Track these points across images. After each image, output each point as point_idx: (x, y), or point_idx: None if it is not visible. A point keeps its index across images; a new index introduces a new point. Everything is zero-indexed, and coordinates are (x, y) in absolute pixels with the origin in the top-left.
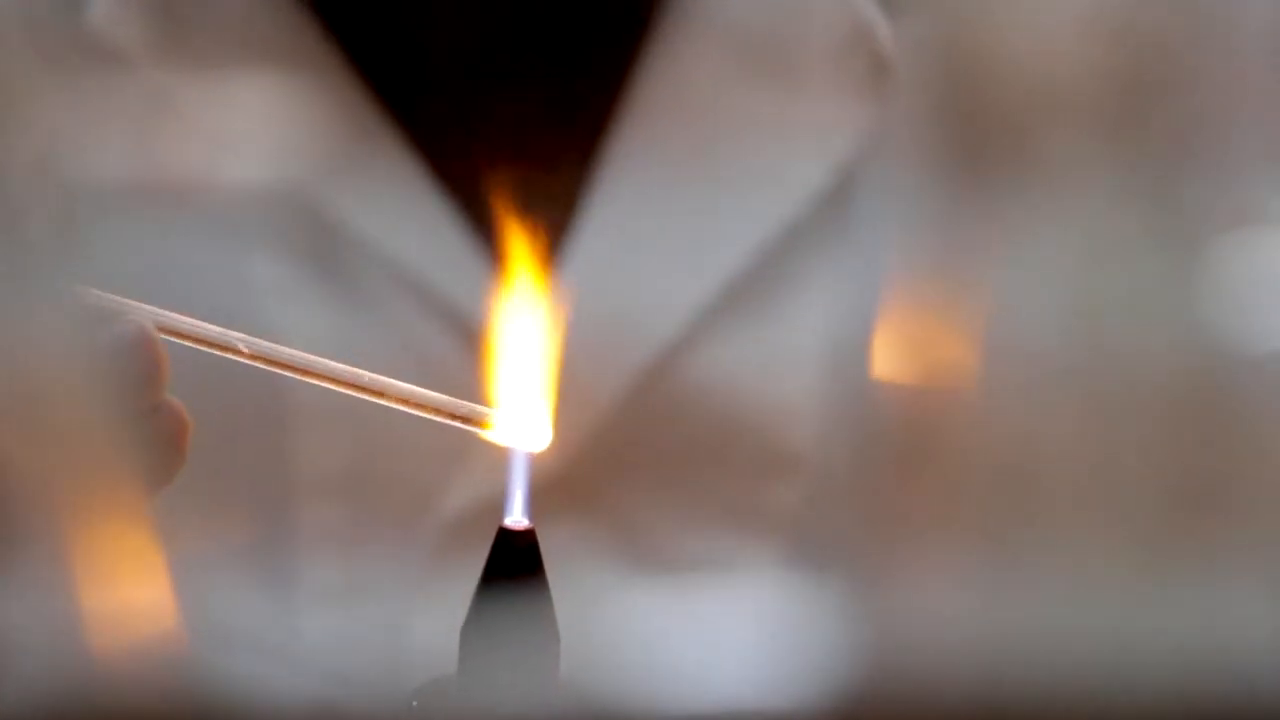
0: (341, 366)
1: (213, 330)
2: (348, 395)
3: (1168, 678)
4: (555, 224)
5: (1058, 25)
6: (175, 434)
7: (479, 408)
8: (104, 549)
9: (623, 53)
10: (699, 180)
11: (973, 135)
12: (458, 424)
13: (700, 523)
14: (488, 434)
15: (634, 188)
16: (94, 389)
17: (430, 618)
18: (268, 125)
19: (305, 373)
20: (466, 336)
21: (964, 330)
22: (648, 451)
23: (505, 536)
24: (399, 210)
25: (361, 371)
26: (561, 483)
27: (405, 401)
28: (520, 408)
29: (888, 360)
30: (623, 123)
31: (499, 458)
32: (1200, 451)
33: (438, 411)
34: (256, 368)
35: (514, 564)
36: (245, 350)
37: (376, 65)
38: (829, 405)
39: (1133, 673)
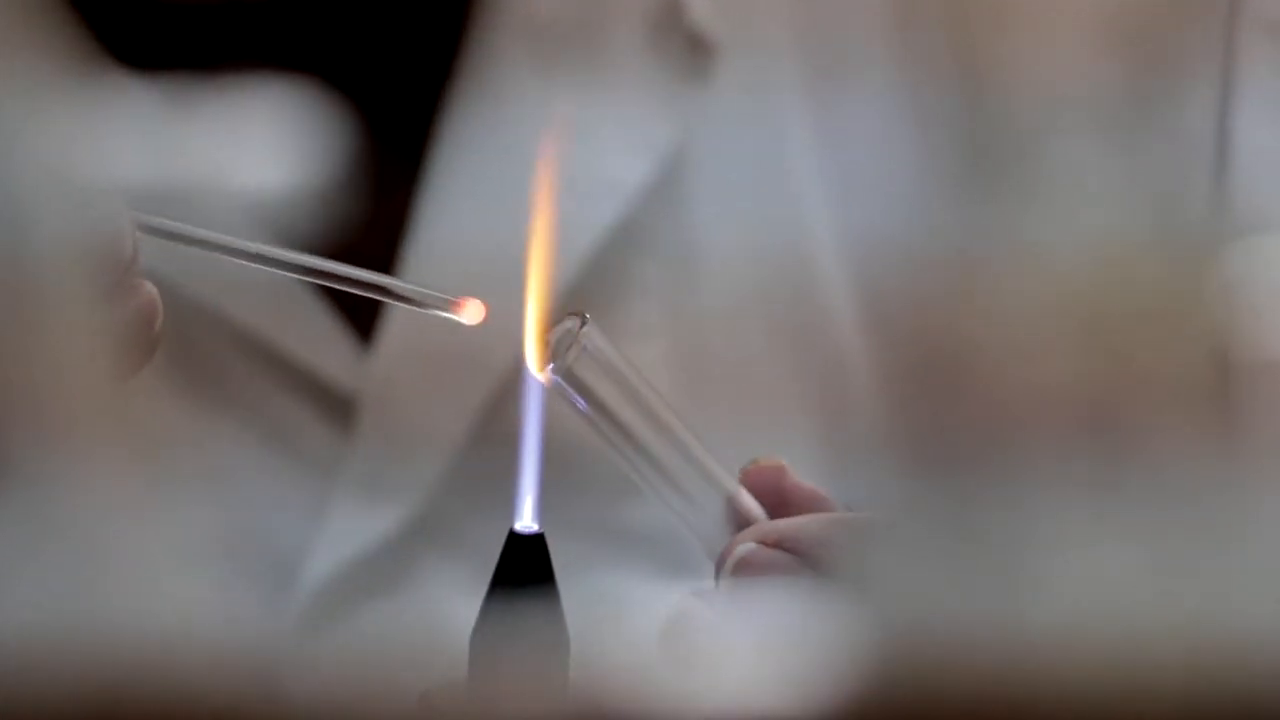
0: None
1: (190, 229)
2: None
3: (1177, 674)
4: (384, 253)
5: (1066, 31)
6: (148, 315)
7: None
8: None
9: (436, 72)
10: (524, 193)
11: (979, 140)
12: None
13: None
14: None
15: (459, 209)
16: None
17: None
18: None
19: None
20: (315, 399)
21: (966, 334)
22: (504, 484)
23: (515, 541)
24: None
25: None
26: (420, 524)
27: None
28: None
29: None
30: (443, 143)
31: (358, 521)
32: (1210, 457)
33: (409, 300)
34: None
35: (523, 569)
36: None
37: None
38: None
39: (1142, 669)
